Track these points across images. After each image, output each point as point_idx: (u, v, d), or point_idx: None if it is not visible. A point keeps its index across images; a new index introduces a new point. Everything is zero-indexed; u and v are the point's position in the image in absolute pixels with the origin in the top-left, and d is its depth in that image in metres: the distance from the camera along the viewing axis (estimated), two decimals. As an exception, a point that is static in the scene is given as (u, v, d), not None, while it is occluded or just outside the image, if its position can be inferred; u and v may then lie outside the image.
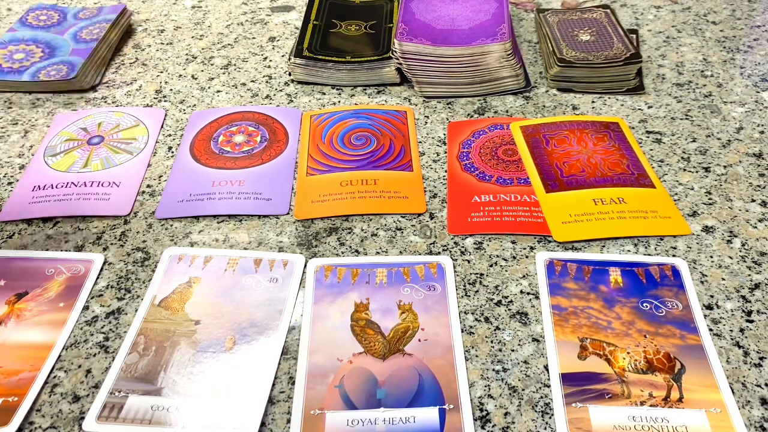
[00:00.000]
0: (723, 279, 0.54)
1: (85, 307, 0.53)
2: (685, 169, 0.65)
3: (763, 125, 0.70)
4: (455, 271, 0.55)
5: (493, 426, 0.45)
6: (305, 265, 0.56)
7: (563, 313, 0.51)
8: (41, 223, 0.61)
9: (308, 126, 0.71)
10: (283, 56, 0.83)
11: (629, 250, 0.57)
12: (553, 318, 0.51)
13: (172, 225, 0.60)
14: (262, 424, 0.45)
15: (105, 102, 0.76)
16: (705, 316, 0.51)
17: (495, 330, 0.51)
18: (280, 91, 0.77)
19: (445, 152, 0.68)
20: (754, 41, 0.84)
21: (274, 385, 0.47)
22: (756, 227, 0.59)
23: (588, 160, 0.65)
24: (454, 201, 0.62)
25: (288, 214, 0.61)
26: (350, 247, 0.58)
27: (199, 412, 0.45)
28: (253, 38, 0.87)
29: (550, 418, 0.45)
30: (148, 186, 0.65)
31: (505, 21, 0.76)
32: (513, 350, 0.49)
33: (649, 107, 0.73)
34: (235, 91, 0.77)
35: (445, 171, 0.65)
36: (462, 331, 0.51)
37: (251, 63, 0.82)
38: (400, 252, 0.57)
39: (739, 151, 0.67)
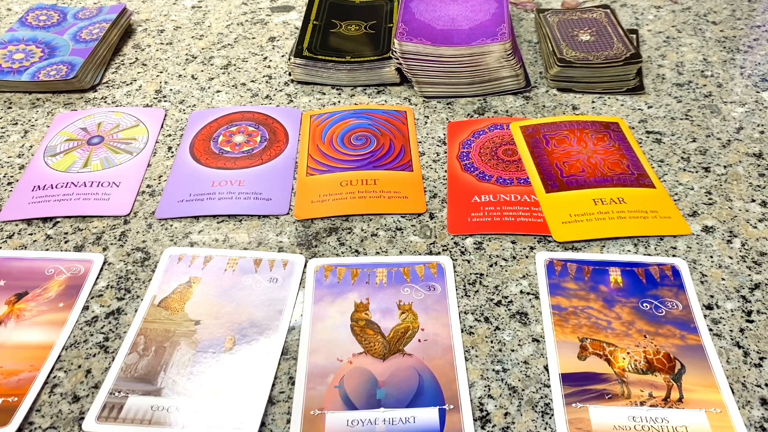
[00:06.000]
0: (723, 279, 0.54)
1: (85, 307, 0.53)
2: (685, 169, 0.65)
3: (763, 125, 0.70)
4: (455, 271, 0.55)
5: (493, 426, 0.45)
6: (305, 265, 0.56)
7: (563, 313, 0.51)
8: (41, 223, 0.61)
9: (308, 126, 0.71)
10: (283, 56, 0.83)
11: (629, 250, 0.57)
12: (553, 318, 0.51)
13: (172, 225, 0.60)
14: (262, 424, 0.45)
15: (105, 102, 0.76)
16: (705, 316, 0.51)
17: (495, 330, 0.51)
18: (280, 91, 0.77)
19: (445, 152, 0.68)
20: (754, 41, 0.84)
21: (274, 385, 0.47)
22: (756, 227, 0.59)
23: (588, 160, 0.65)
24: (454, 201, 0.62)
25: (288, 214, 0.61)
26: (350, 247, 0.58)
27: (199, 412, 0.45)
28: (253, 38, 0.87)
29: (550, 418, 0.45)
30: (148, 186, 0.65)
31: (505, 21, 0.76)
32: (513, 350, 0.49)
33: (649, 107, 0.73)
34: (235, 91, 0.77)
35: (445, 171, 0.65)
36: (462, 331, 0.51)
37: (251, 63, 0.82)
38: (400, 252, 0.57)
39: (739, 151, 0.67)
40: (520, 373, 0.48)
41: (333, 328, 0.51)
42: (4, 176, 0.66)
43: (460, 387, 0.47)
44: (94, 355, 0.50)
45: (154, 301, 0.53)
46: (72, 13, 0.87)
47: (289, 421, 0.45)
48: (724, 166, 0.65)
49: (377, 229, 0.59)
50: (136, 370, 0.48)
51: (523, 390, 0.47)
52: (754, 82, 0.77)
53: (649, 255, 0.56)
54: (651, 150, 0.67)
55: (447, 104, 0.75)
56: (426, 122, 0.72)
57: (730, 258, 0.56)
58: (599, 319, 0.51)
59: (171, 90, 0.78)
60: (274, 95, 0.77)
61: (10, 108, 0.75)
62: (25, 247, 0.58)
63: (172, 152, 0.69)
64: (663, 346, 0.49)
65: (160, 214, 0.61)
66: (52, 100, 0.76)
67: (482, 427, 0.45)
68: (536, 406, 0.46)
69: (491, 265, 0.56)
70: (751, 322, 0.51)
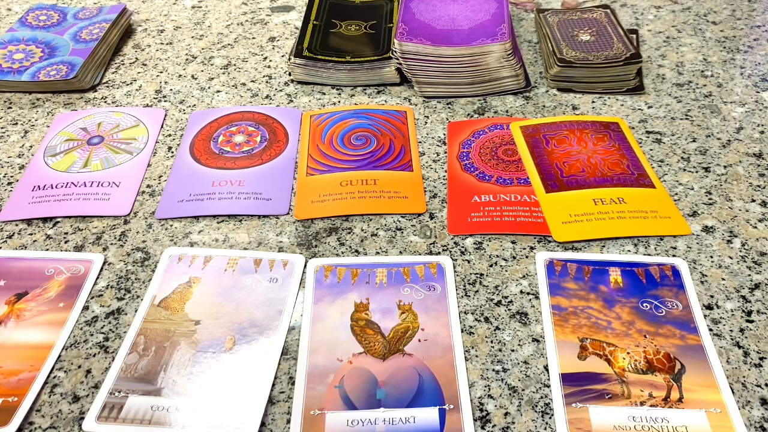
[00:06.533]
0: (723, 279, 0.54)
1: (85, 307, 0.53)
2: (685, 169, 0.65)
3: (763, 125, 0.70)
4: (455, 271, 0.55)
5: (493, 426, 0.45)
6: (305, 265, 0.56)
7: (563, 313, 0.51)
8: (41, 223, 0.61)
9: (308, 126, 0.71)
10: (283, 56, 0.83)
11: (629, 250, 0.57)
12: (553, 318, 0.51)
13: (172, 225, 0.60)
14: (262, 424, 0.45)
15: (105, 102, 0.76)
16: (705, 316, 0.51)
17: (495, 330, 0.51)
18: (280, 91, 0.77)
19: (445, 152, 0.68)
20: (754, 41, 0.84)
21: (274, 385, 0.47)
22: (756, 227, 0.59)
23: (588, 160, 0.65)
24: (454, 201, 0.62)
25: (288, 214, 0.61)
26: (350, 247, 0.58)
27: (199, 412, 0.45)
28: (253, 38, 0.87)
29: (550, 418, 0.45)
30: (148, 186, 0.65)
31: (505, 21, 0.76)
32: (513, 350, 0.49)
33: (649, 107, 0.73)
34: (235, 91, 0.77)
35: (445, 171, 0.65)
36: (462, 331, 0.51)
37: (251, 63, 0.82)
38: (400, 252, 0.57)
39: (739, 151, 0.67)
40: (520, 373, 0.48)
41: (333, 328, 0.51)
42: (4, 176, 0.66)
43: (460, 387, 0.47)
44: (94, 355, 0.50)
45: (154, 301, 0.53)
46: (72, 13, 0.87)
47: (289, 421, 0.45)
48: (724, 166, 0.65)
49: (377, 229, 0.59)
50: (136, 370, 0.48)
51: (523, 390, 0.47)
52: (754, 82, 0.77)
53: (649, 255, 0.56)
54: (651, 150, 0.67)
55: (447, 104, 0.75)
56: (426, 122, 0.72)
57: (730, 258, 0.56)
58: (599, 319, 0.51)
59: (171, 90, 0.78)
60: (274, 95, 0.77)
61: (10, 108, 0.75)
62: (25, 247, 0.58)
63: (172, 152, 0.69)
64: (663, 346, 0.49)
65: (160, 214, 0.61)
66: (52, 100, 0.76)
67: (482, 427, 0.45)
68: (536, 406, 0.46)
69: (491, 265, 0.56)
70: (751, 322, 0.51)
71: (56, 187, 0.64)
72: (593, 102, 0.74)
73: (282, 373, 0.48)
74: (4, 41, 0.82)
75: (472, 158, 0.66)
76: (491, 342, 0.50)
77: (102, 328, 0.52)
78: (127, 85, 0.79)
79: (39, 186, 0.64)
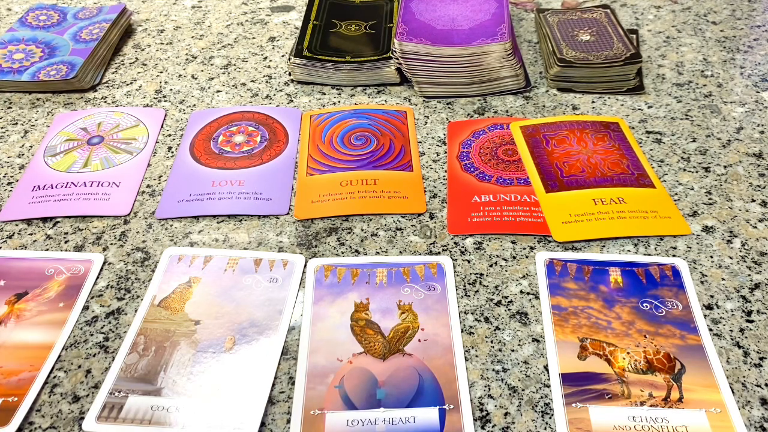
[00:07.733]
0: (723, 279, 0.54)
1: (85, 307, 0.53)
2: (685, 169, 0.65)
3: (763, 125, 0.70)
4: (455, 271, 0.55)
5: (493, 426, 0.45)
6: (305, 265, 0.56)
7: (563, 313, 0.51)
8: (41, 223, 0.61)
9: (308, 126, 0.71)
10: (283, 56, 0.83)
11: (629, 250, 0.57)
12: (553, 318, 0.51)
13: (172, 225, 0.60)
14: (262, 424, 0.45)
15: (105, 102, 0.76)
16: (705, 316, 0.51)
17: (495, 330, 0.51)
18: (280, 91, 0.77)
19: (445, 152, 0.68)
20: (754, 41, 0.84)
21: (274, 385, 0.47)
22: (756, 227, 0.59)
23: (588, 160, 0.65)
24: (454, 201, 0.62)
25: (288, 214, 0.61)
26: (350, 247, 0.58)
27: (199, 412, 0.45)
28: (253, 38, 0.87)
29: (550, 418, 0.45)
30: (148, 186, 0.65)
31: (505, 21, 0.76)
32: (513, 350, 0.49)
33: (649, 107, 0.73)
34: (235, 91, 0.77)
35: (445, 171, 0.65)
36: (462, 331, 0.51)
37: (251, 63, 0.82)
38: (400, 252, 0.57)
39: (739, 151, 0.67)
40: (520, 373, 0.48)
41: (333, 328, 0.51)
42: (4, 176, 0.66)
43: (460, 387, 0.47)
44: (94, 355, 0.50)
45: (154, 301, 0.53)
46: (72, 13, 0.87)
47: (289, 421, 0.45)
48: (724, 166, 0.65)
49: (377, 229, 0.59)
50: (136, 370, 0.48)
51: (523, 390, 0.47)
52: (754, 82, 0.77)
53: (649, 255, 0.56)
54: (651, 150, 0.67)
55: (447, 104, 0.75)
56: (426, 122, 0.72)
57: (730, 258, 0.56)
58: (599, 319, 0.51)
59: (171, 90, 0.78)
60: (274, 95, 0.77)
61: (10, 108, 0.75)
62: (25, 247, 0.58)
63: (172, 152, 0.69)
64: (663, 346, 0.49)
65: (160, 214, 0.61)
66: (52, 100, 0.76)
67: (482, 427, 0.45)
68: (536, 406, 0.46)
69: (491, 265, 0.56)
70: (751, 322, 0.51)
71: (56, 187, 0.64)
72: (593, 102, 0.74)
73: (282, 373, 0.48)
74: (4, 41, 0.82)
75: (472, 158, 0.66)
76: (491, 342, 0.50)
77: (102, 328, 0.52)
78: (127, 85, 0.79)
79: (39, 186, 0.64)
